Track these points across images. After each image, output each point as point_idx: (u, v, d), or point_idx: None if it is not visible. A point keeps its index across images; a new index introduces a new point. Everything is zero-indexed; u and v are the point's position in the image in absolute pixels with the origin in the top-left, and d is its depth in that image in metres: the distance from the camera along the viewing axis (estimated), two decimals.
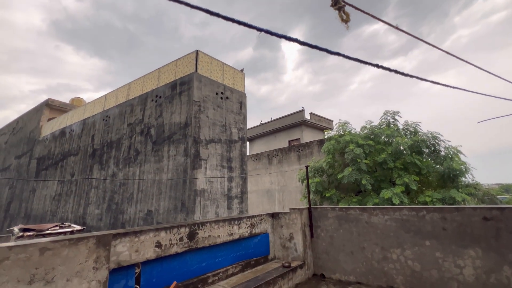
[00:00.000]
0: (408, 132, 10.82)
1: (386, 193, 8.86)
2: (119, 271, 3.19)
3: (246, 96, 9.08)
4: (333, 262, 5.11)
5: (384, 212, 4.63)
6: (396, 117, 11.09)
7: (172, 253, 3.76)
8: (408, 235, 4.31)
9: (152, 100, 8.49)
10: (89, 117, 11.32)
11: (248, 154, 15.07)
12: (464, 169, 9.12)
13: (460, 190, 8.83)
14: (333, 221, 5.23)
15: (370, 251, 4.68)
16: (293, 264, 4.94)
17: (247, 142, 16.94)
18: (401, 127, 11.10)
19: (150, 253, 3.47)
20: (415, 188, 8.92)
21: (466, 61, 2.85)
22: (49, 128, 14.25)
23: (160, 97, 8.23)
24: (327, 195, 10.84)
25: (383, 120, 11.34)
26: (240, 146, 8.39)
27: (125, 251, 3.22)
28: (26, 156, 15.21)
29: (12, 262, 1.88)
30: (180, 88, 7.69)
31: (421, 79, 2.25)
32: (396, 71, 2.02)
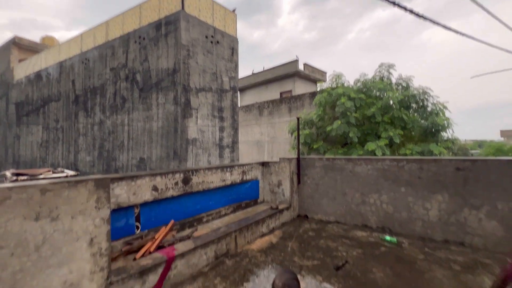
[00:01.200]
0: (400, 87, 10.83)
1: (370, 146, 9.30)
2: (119, 211, 3.41)
3: (238, 42, 8.43)
4: (317, 205, 5.63)
5: (368, 162, 4.94)
6: (391, 70, 10.90)
7: (169, 196, 3.99)
8: (386, 182, 4.71)
9: (135, 42, 7.75)
10: (66, 60, 10.36)
11: (239, 105, 14.84)
12: (446, 124, 9.53)
13: (439, 144, 9.39)
14: (319, 170, 5.56)
15: (351, 196, 5.15)
16: (280, 207, 5.42)
17: (238, 93, 16.51)
18: (394, 81, 11.04)
19: (147, 196, 3.67)
20: (398, 141, 9.39)
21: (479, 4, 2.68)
22: (22, 70, 13.06)
23: (144, 38, 7.51)
24: (314, 146, 11.26)
25: (378, 73, 11.15)
26: (231, 96, 8.17)
27: (123, 193, 3.38)
28: (2, 101, 14.29)
29: (15, 201, 1.94)
30: (165, 29, 6.98)
31: (433, 22, 2.13)
32: (411, 11, 1.89)
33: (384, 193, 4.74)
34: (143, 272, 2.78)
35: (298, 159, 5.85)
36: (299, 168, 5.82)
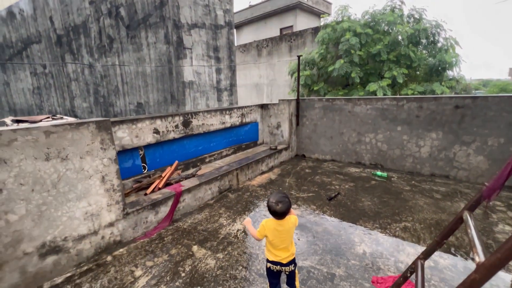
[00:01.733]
0: (412, 19, 9.84)
1: (372, 86, 9.05)
2: (125, 153, 3.56)
3: None
4: (314, 145, 5.84)
5: (368, 102, 4.90)
6: None
7: (170, 139, 4.10)
8: (384, 122, 4.77)
9: None
10: None
11: (235, 44, 13.73)
12: (454, 62, 9.06)
13: (442, 83, 9.11)
14: (318, 111, 5.56)
15: (348, 136, 5.29)
16: (279, 147, 5.64)
17: (234, 30, 15.06)
18: (406, 12, 9.96)
19: (149, 138, 3.77)
20: (401, 81, 9.07)
21: None
22: None
23: None
24: (315, 88, 10.96)
25: (389, 4, 9.98)
26: (227, 33, 7.51)
27: (126, 136, 3.46)
28: None
29: (22, 143, 2.01)
30: None
31: None
32: None
33: (381, 132, 4.86)
34: (155, 204, 3.08)
35: (297, 101, 5.78)
36: (298, 109, 5.80)
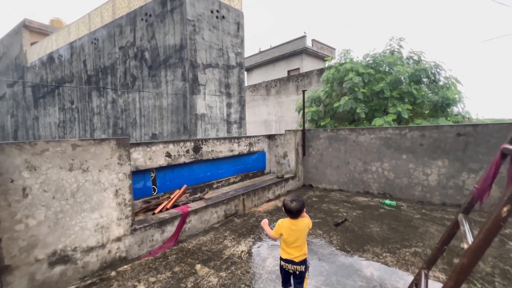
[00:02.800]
0: (412, 61, 10.51)
1: (377, 121, 9.27)
2: (137, 174, 3.76)
3: (244, 16, 8.34)
4: (321, 175, 5.88)
5: (371, 131, 5.07)
6: (402, 43, 10.53)
7: (181, 163, 4.31)
8: (388, 151, 4.86)
9: (142, 19, 7.82)
10: (75, 40, 10.55)
11: (245, 84, 14.82)
12: (458, 99, 9.33)
13: (448, 118, 9.27)
14: (324, 141, 5.74)
15: (354, 165, 5.34)
16: (286, 176, 5.71)
17: (244, 69, 16.38)
18: (405, 55, 10.70)
19: (161, 161, 4.00)
20: (406, 116, 9.29)
21: None
22: (34, 53, 13.39)
23: (150, 15, 7.56)
24: (322, 123, 11.31)
25: (388, 47, 10.81)
26: (238, 72, 8.25)
27: (140, 158, 3.70)
28: (18, 84, 14.83)
29: (52, 153, 2.26)
30: (171, 4, 6.99)
31: None
32: None
33: (386, 161, 4.90)
34: (162, 223, 3.15)
35: (303, 131, 6.02)
36: (304, 139, 6.01)
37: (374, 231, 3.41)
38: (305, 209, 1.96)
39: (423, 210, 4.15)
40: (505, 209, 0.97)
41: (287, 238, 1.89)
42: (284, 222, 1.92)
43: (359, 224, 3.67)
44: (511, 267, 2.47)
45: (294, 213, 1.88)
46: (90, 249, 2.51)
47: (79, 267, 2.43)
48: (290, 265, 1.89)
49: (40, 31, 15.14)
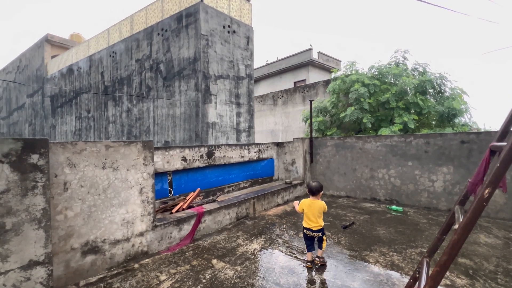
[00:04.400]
0: (417, 72, 10.72)
1: (384, 131, 9.42)
2: (156, 176, 4.02)
3: (253, 30, 8.80)
4: (328, 182, 6.03)
5: (377, 139, 5.25)
6: (407, 55, 10.80)
7: (195, 167, 4.57)
8: (394, 158, 5.01)
9: (158, 34, 8.35)
10: (94, 54, 11.22)
11: (254, 95, 15.24)
12: (464, 109, 9.43)
13: (454, 129, 9.34)
14: (331, 148, 5.93)
15: (361, 172, 5.49)
16: (294, 182, 5.88)
17: (253, 81, 16.87)
18: (410, 66, 10.94)
19: (178, 165, 4.26)
20: (412, 127, 9.41)
21: None
22: (55, 65, 14.21)
23: (166, 30, 8.07)
24: (328, 133, 11.49)
25: (393, 59, 11.10)
26: (247, 83, 8.61)
27: (159, 161, 3.98)
28: (38, 95, 15.62)
29: (89, 152, 2.54)
30: (186, 20, 7.49)
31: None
32: None
33: (392, 168, 5.05)
34: (179, 221, 3.36)
35: (310, 139, 6.24)
36: (312, 147, 6.21)
37: (381, 234, 3.54)
38: (322, 192, 2.75)
39: (430, 216, 4.25)
40: (486, 191, 1.16)
41: (307, 212, 2.68)
42: (306, 201, 2.72)
43: (366, 227, 3.80)
44: None
45: (313, 191, 2.70)
46: (116, 242, 2.73)
47: (107, 258, 2.66)
48: (309, 232, 2.64)
49: (60, 45, 16.08)
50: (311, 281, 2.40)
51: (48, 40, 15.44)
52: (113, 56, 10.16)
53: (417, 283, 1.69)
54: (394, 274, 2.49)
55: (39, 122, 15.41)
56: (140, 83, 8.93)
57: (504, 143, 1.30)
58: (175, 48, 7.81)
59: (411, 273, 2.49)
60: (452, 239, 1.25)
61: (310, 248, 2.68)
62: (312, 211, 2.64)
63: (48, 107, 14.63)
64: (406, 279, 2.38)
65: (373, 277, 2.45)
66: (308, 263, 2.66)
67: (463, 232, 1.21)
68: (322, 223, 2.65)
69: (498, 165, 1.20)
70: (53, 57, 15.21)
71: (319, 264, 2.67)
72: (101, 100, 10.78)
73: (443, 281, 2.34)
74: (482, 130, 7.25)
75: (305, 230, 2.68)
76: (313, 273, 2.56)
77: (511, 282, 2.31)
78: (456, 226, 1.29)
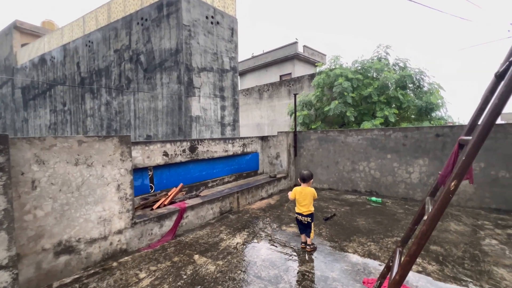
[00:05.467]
0: (398, 67, 11.03)
1: (366, 125, 9.66)
2: (136, 172, 3.89)
3: (238, 22, 8.62)
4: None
5: (358, 133, 5.37)
6: (389, 50, 11.05)
7: (178, 162, 4.47)
8: (374, 151, 5.16)
9: (138, 23, 7.97)
10: (69, 43, 10.56)
11: (239, 88, 15.07)
12: (440, 104, 9.85)
13: (431, 122, 9.76)
14: (314, 142, 6.01)
15: (343, 165, 5.62)
16: (278, 176, 5.92)
17: (238, 73, 16.66)
18: (392, 61, 11.23)
19: (159, 160, 4.14)
20: (393, 120, 9.73)
21: None
22: (25, 55, 13.25)
23: (146, 20, 7.72)
24: (313, 127, 11.63)
25: (376, 54, 11.32)
26: (232, 76, 8.48)
27: (139, 156, 3.85)
28: (7, 86, 14.59)
29: (59, 148, 2.40)
30: (167, 9, 7.19)
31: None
32: None
33: (373, 160, 5.20)
34: (160, 218, 3.30)
35: (295, 133, 6.28)
36: (296, 141, 6.26)
37: (361, 224, 3.66)
38: (312, 180, 3.03)
39: (406, 206, 4.44)
40: (453, 183, 1.21)
41: (298, 198, 2.94)
42: (297, 188, 2.98)
43: (347, 219, 3.92)
44: (480, 252, 2.76)
45: (305, 178, 2.96)
46: (93, 241, 2.63)
47: (82, 257, 2.56)
48: (300, 216, 2.90)
49: (31, 33, 14.99)
50: (291, 273, 2.44)
51: (17, 27, 14.34)
52: (89, 46, 9.62)
53: (390, 272, 1.76)
54: (371, 263, 2.59)
55: (10, 116, 14.45)
56: (120, 75, 8.55)
57: (470, 137, 1.35)
58: (156, 39, 7.51)
59: (386, 261, 2.59)
60: (421, 229, 1.30)
61: (302, 231, 2.96)
62: (303, 197, 2.90)
63: (19, 99, 13.71)
64: (382, 267, 2.48)
65: (351, 266, 2.53)
66: (302, 244, 2.97)
67: (431, 223, 1.26)
68: (312, 209, 2.91)
69: (464, 158, 1.25)
70: (23, 45, 14.18)
71: (312, 251, 2.87)
72: (78, 92, 10.24)
73: (415, 267, 2.46)
74: (456, 124, 7.62)
75: (296, 215, 2.96)
76: (294, 264, 2.60)
77: (477, 266, 2.47)
78: (425, 217, 1.34)
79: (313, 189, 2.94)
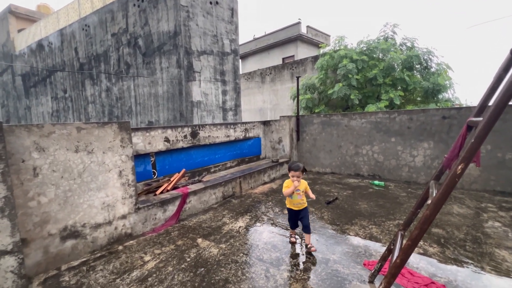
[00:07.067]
0: (405, 47, 10.60)
1: (370, 108, 9.47)
2: (138, 158, 3.90)
3: (238, 2, 8.25)
4: (314, 159, 6.10)
5: (362, 116, 5.26)
6: (396, 29, 10.58)
7: (179, 148, 4.46)
8: (378, 134, 5.07)
9: (134, 5, 7.68)
10: (65, 27, 10.29)
11: (240, 72, 14.77)
12: (448, 85, 9.55)
13: (438, 104, 9.52)
14: (317, 126, 5.93)
15: (346, 149, 5.57)
16: (281, 160, 5.91)
17: (239, 56, 16.25)
18: (399, 41, 10.78)
19: (160, 146, 4.13)
20: (398, 103, 9.51)
21: None
22: (23, 40, 13.01)
23: (143, 1, 7.43)
24: (316, 110, 11.46)
25: (382, 34, 10.86)
26: (232, 59, 8.26)
27: (140, 142, 3.83)
28: (7, 73, 14.48)
29: (58, 135, 2.38)
30: None
31: None
32: None
33: (376, 144, 5.13)
34: (164, 203, 3.33)
35: (297, 117, 6.18)
36: (298, 125, 6.18)
37: (363, 208, 3.67)
38: (303, 172, 2.68)
39: (409, 189, 4.43)
40: (459, 167, 1.16)
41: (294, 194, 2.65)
42: (288, 182, 2.67)
43: (349, 202, 3.93)
44: (482, 234, 2.75)
45: (294, 170, 2.62)
46: (98, 226, 2.68)
47: (88, 241, 2.62)
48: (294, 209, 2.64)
49: (27, 17, 14.63)
50: (293, 256, 2.48)
51: (12, 12, 13.98)
52: (86, 30, 9.38)
53: (391, 254, 1.76)
54: (372, 246, 2.61)
55: (13, 104, 14.47)
56: (118, 60, 8.38)
57: (481, 118, 1.29)
58: (153, 21, 7.26)
59: (387, 244, 2.61)
60: (424, 214, 1.27)
61: (294, 227, 2.76)
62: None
63: (20, 87, 13.66)
64: (383, 250, 2.50)
65: (352, 249, 2.55)
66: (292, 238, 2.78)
67: (435, 207, 1.23)
68: (305, 199, 2.70)
69: (473, 140, 1.19)
70: (19, 31, 13.89)
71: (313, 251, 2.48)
72: (78, 79, 10.13)
73: (416, 249, 2.47)
74: (464, 106, 7.42)
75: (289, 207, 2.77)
76: (295, 247, 2.64)
77: (478, 248, 2.48)
78: (429, 201, 1.31)
79: (305, 182, 2.73)
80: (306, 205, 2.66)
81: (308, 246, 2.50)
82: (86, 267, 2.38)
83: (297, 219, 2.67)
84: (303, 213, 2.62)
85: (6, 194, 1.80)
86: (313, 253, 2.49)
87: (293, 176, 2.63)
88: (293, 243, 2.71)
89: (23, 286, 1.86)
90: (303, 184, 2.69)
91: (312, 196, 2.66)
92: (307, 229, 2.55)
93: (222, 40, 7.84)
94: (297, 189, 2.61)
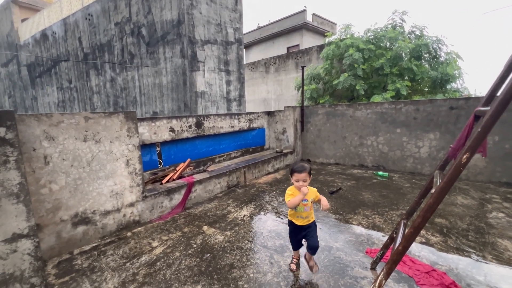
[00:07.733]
0: (413, 35, 10.31)
1: (376, 98, 9.33)
2: (144, 148, 3.96)
3: None
4: (319, 150, 6.11)
5: (368, 106, 5.21)
6: (405, 17, 10.26)
7: (184, 138, 4.50)
8: (384, 125, 5.03)
9: None
10: (68, 16, 10.23)
11: (244, 62, 14.58)
12: (457, 75, 9.32)
13: (445, 95, 9.33)
14: (322, 116, 5.89)
15: (350, 140, 5.55)
16: (285, 151, 5.93)
17: (243, 46, 16.03)
18: (407, 29, 10.48)
19: (166, 136, 4.18)
20: (405, 93, 9.33)
21: None
22: (27, 30, 13.00)
23: None
24: (321, 101, 11.34)
25: (390, 21, 10.56)
26: (237, 49, 8.16)
27: (146, 132, 3.88)
28: (13, 63, 14.56)
29: (67, 124, 2.43)
30: None
31: None
32: None
33: (381, 135, 5.10)
34: (170, 191, 3.41)
35: (302, 107, 6.15)
36: (303, 115, 6.16)
37: (366, 198, 3.70)
38: (310, 175, 1.96)
39: (413, 180, 4.43)
40: (465, 156, 1.17)
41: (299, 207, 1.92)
42: (293, 189, 1.96)
43: (352, 193, 3.96)
44: (485, 224, 2.77)
45: (299, 172, 1.90)
46: (107, 213, 2.77)
47: (98, 228, 2.71)
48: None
49: (30, 7, 14.55)
50: None
51: (15, 1, 13.90)
52: (89, 19, 9.31)
53: (393, 242, 1.80)
54: (375, 234, 2.65)
55: (19, 94, 14.62)
56: (122, 50, 8.35)
57: (488, 108, 1.28)
58: (156, 9, 7.17)
59: (390, 233, 2.65)
60: (428, 202, 1.29)
61: (296, 246, 2.13)
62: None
63: (26, 77, 13.76)
64: (385, 239, 2.54)
65: (355, 237, 2.60)
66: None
67: (439, 196, 1.24)
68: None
69: (479, 130, 1.19)
70: (23, 20, 13.86)
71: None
72: (82, 69, 10.15)
73: (418, 239, 2.51)
74: (472, 96, 7.26)
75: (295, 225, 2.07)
76: None
77: (481, 238, 2.50)
78: (433, 191, 1.32)
79: (314, 189, 2.02)
80: (314, 219, 2.03)
81: (310, 264, 2.00)
82: (97, 252, 2.48)
83: (302, 237, 2.06)
84: (311, 229, 1.99)
85: (20, 181, 1.86)
86: None
87: (297, 181, 1.91)
88: (294, 271, 2.08)
89: (39, 268, 1.96)
90: (312, 192, 1.98)
91: (327, 205, 1.93)
92: (313, 251, 1.96)
93: (226, 29, 7.72)
94: (304, 199, 1.91)
